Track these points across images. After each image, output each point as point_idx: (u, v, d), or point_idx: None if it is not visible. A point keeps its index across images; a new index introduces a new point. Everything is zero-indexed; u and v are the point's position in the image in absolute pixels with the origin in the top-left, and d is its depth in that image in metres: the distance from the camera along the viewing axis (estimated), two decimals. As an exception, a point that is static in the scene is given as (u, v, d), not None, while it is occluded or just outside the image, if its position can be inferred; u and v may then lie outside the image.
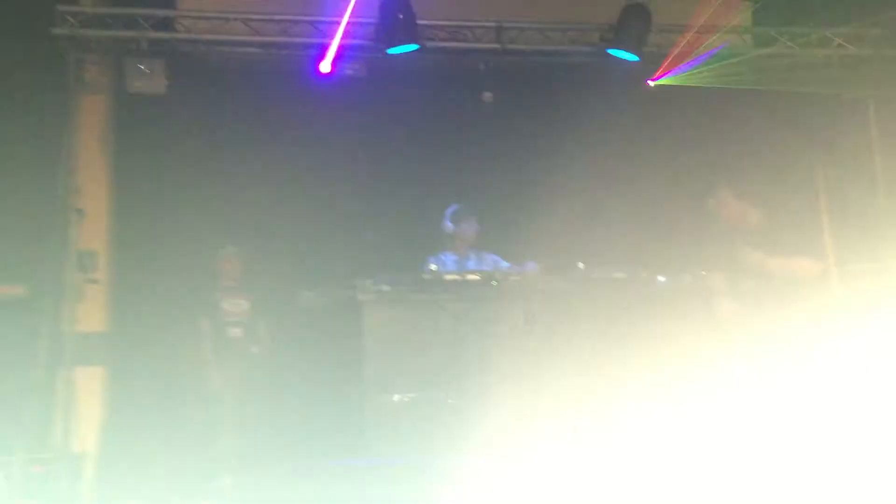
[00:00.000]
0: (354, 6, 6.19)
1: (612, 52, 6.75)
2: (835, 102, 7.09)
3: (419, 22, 6.45)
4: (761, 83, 6.68)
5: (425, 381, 5.56)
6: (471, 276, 5.80)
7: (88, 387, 6.28)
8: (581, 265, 5.96)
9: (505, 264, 6.14)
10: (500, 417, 5.51)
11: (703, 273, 6.12)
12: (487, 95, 6.75)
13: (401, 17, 6.28)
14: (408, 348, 5.61)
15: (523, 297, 5.70)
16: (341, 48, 6.37)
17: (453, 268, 6.12)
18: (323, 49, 6.40)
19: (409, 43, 6.43)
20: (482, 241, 6.32)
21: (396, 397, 5.53)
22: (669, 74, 6.84)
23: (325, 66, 6.35)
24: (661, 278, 6.13)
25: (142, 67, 5.99)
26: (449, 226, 6.26)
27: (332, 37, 6.33)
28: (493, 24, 6.84)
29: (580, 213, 6.70)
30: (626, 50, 6.67)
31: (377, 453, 5.40)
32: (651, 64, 6.88)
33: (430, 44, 6.63)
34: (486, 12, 6.83)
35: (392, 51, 6.46)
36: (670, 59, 6.78)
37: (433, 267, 5.85)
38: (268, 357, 6.32)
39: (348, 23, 6.24)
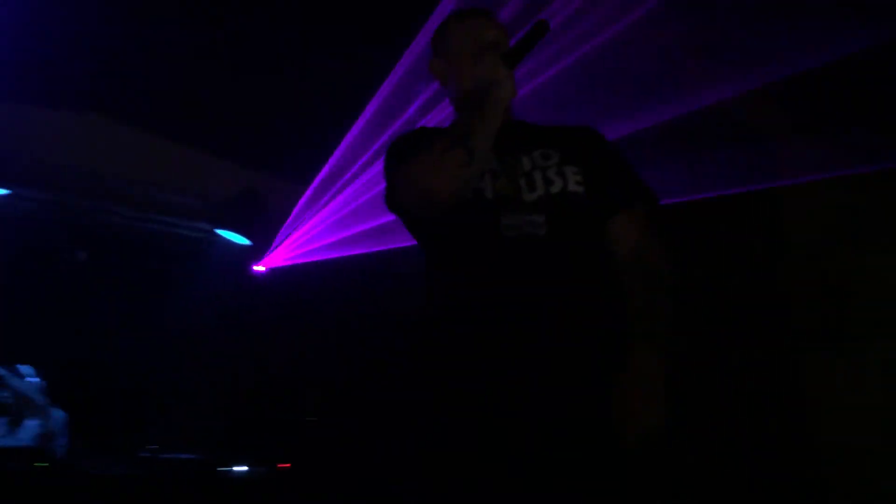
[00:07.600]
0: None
1: (221, 232, 6.73)
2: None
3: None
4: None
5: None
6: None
7: None
8: (154, 446, 5.62)
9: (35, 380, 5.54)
10: None
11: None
12: (82, 254, 6.33)
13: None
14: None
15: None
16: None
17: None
18: None
19: (-1, 186, 5.92)
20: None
21: None
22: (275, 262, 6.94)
23: None
24: (238, 468, 5.91)
25: None
26: None
27: None
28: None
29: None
30: (236, 231, 6.67)
31: None
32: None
33: (23, 191, 6.15)
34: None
35: (-24, 193, 5.90)
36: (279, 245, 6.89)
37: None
38: None
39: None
